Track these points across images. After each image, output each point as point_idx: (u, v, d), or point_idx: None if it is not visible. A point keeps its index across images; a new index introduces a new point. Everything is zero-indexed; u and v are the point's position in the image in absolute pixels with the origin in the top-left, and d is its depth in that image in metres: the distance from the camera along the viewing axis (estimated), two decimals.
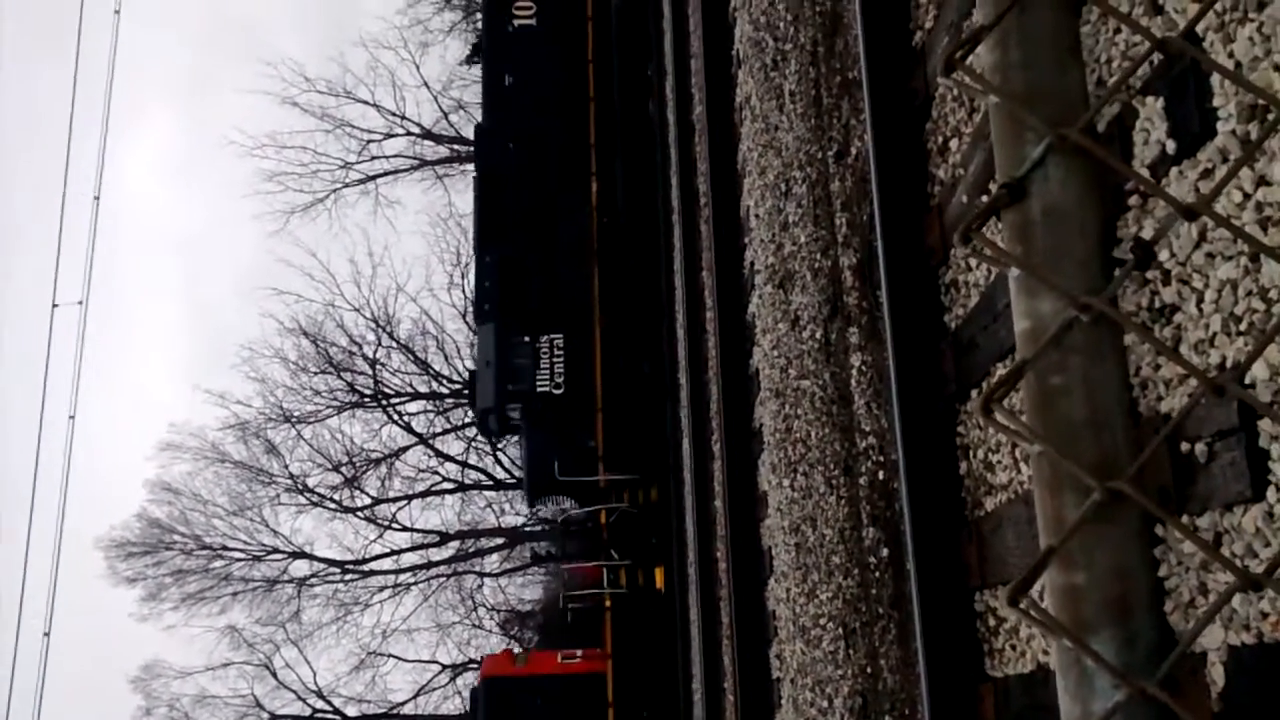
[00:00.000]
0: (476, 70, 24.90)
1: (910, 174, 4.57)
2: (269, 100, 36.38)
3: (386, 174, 34.63)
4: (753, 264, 8.89)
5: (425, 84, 33.94)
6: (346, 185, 34.47)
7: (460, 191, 32.57)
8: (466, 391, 20.99)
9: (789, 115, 7.34)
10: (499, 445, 19.58)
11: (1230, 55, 2.13)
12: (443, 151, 34.59)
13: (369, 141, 34.51)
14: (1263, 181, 2.02)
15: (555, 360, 15.11)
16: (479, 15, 20.62)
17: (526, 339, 15.20)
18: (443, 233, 34.24)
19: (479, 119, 17.65)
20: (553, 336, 15.15)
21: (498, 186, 15.89)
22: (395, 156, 34.82)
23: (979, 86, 1.05)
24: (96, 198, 26.80)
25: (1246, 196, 2.05)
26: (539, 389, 15.01)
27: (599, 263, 15.24)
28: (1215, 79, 2.20)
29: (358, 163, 34.51)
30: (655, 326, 14.30)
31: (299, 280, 34.82)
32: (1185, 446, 2.28)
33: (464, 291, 32.00)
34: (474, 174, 16.93)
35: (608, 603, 14.28)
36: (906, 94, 4.71)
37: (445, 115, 33.95)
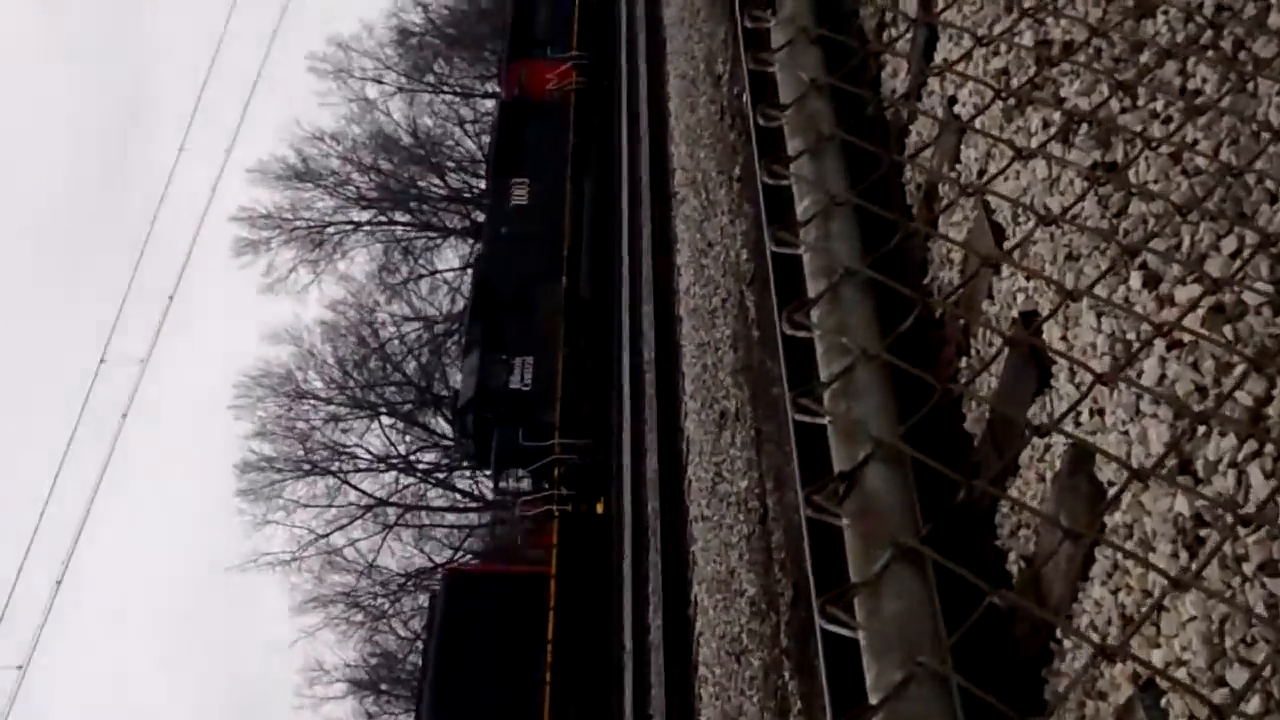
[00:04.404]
0: None
1: None
2: None
3: None
4: None
5: None
6: None
7: None
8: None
9: None
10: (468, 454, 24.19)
11: None
12: None
13: None
14: None
15: (525, 372, 20.42)
16: None
17: (504, 357, 20.54)
18: None
19: None
20: (525, 357, 20.47)
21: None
22: None
23: None
24: None
25: None
26: (510, 387, 20.41)
27: (565, 321, 20.06)
28: None
29: None
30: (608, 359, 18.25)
31: None
32: None
33: None
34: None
35: (556, 513, 18.74)
36: None
37: None
